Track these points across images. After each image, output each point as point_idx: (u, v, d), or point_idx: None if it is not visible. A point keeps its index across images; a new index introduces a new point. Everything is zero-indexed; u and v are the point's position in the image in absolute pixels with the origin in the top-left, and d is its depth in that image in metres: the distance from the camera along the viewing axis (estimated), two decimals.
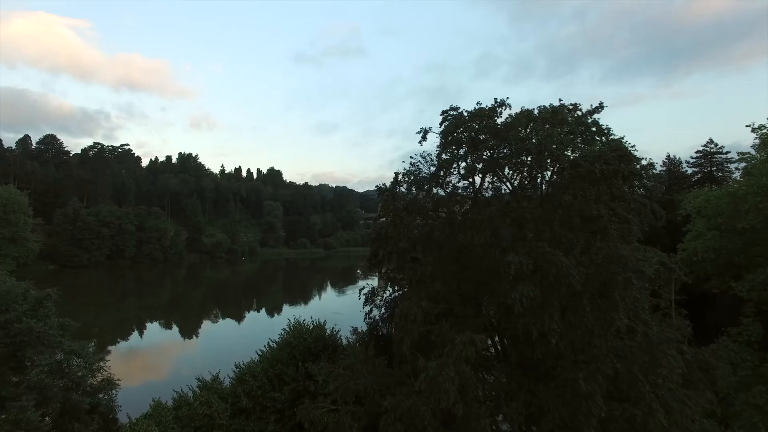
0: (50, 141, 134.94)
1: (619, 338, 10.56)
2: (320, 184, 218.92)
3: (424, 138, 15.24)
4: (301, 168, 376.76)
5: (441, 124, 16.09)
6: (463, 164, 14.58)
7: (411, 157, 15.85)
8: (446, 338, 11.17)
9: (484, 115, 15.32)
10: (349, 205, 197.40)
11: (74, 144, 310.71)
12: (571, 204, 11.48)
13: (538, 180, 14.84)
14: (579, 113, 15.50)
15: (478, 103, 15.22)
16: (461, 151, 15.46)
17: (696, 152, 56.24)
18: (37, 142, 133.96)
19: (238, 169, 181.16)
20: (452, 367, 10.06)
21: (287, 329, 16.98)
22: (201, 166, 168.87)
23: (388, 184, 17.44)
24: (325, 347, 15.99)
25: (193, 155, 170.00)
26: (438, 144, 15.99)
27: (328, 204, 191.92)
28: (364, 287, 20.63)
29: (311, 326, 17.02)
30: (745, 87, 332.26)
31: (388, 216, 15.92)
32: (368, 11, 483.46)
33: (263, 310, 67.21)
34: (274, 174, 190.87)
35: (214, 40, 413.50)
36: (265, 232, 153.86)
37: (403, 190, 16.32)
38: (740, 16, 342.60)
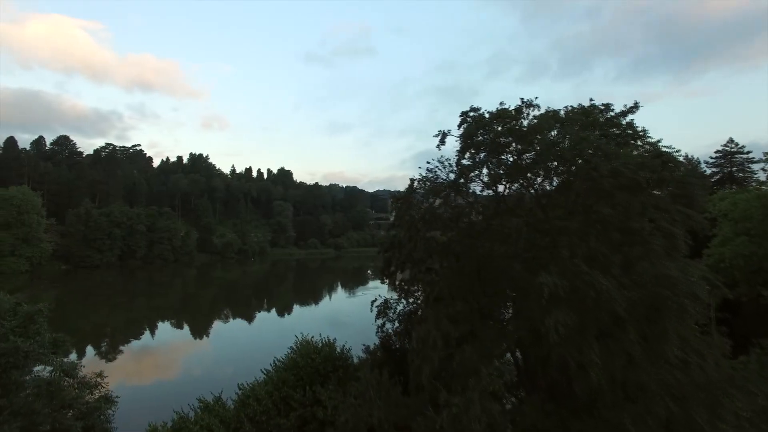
0: (63, 142, 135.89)
1: (671, 373, 9.21)
2: (330, 184, 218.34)
3: (442, 141, 14.00)
4: (311, 168, 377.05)
5: (460, 126, 14.85)
6: (486, 170, 13.35)
7: (428, 162, 14.67)
8: (470, 367, 9.96)
9: (507, 117, 14.07)
10: (360, 206, 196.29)
11: (88, 144, 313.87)
12: (612, 217, 10.13)
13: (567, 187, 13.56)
14: (611, 114, 14.20)
15: (501, 103, 13.97)
16: (482, 156, 14.24)
17: (715, 152, 54.36)
18: (51, 143, 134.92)
19: (249, 170, 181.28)
20: (478, 404, 8.85)
21: (294, 347, 15.82)
22: (212, 167, 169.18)
23: (402, 189, 16.34)
24: (335, 368, 14.77)
25: (204, 155, 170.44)
26: (457, 148, 14.81)
27: (338, 204, 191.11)
28: (375, 299, 19.46)
29: (320, 344, 15.82)
30: (761, 85, 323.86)
31: (403, 226, 14.77)
32: (378, 10, 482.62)
33: (273, 311, 66.66)
34: (285, 174, 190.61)
35: (223, 41, 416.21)
36: (275, 232, 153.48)
37: (419, 196, 15.16)
38: (757, 12, 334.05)
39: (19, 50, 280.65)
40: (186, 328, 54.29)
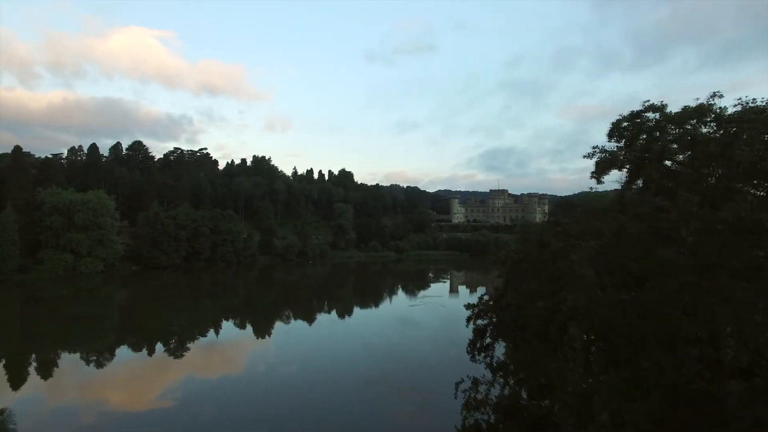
0: (138, 147, 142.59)
1: None
2: (391, 185, 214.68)
3: (601, 172, 8.19)
4: (372, 168, 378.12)
5: (610, 136, 8.94)
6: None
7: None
8: None
9: (692, 117, 8.03)
10: (421, 207, 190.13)
11: (162, 148, 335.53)
12: None
13: None
14: None
15: (696, 100, 7.94)
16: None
17: None
18: (126, 148, 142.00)
19: (310, 171, 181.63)
20: None
21: None
22: (274, 169, 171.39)
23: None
24: None
25: (267, 158, 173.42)
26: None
27: (399, 205, 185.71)
28: (461, 380, 13.94)
29: None
30: None
31: (523, 303, 9.15)
32: (437, 7, 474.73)
33: (334, 312, 65.17)
34: (345, 175, 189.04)
35: (286, 44, 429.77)
36: (335, 234, 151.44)
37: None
38: None
39: (104, 62, 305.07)
40: (249, 327, 54.97)
